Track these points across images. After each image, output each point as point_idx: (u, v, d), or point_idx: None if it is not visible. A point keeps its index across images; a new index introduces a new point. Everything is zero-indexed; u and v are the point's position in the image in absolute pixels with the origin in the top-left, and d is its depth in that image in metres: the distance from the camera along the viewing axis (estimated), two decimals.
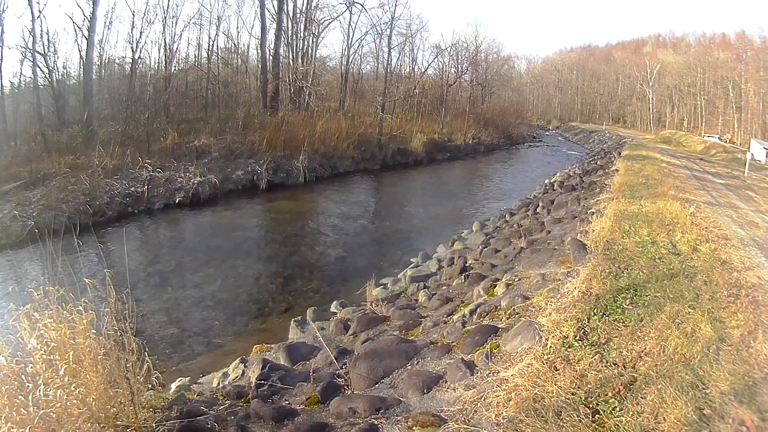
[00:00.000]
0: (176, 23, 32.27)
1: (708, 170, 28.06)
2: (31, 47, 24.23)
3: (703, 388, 4.19)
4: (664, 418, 3.77)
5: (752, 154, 30.76)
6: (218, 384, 6.84)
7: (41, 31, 24.67)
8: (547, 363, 4.62)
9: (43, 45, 25.01)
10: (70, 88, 28.23)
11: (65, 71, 28.98)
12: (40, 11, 23.89)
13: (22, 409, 3.47)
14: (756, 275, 7.57)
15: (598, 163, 31.21)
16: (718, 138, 54.64)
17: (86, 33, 25.78)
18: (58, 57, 27.40)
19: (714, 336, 5.13)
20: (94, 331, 4.15)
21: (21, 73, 26.62)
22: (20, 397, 3.55)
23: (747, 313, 5.79)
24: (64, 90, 26.53)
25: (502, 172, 36.01)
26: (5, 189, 16.94)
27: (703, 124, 65.55)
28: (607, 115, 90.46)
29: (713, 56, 67.96)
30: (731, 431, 3.70)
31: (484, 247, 12.59)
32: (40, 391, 3.58)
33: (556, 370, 4.50)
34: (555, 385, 4.23)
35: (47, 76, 24.98)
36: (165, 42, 31.45)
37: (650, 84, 78.72)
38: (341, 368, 5.76)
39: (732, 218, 12.97)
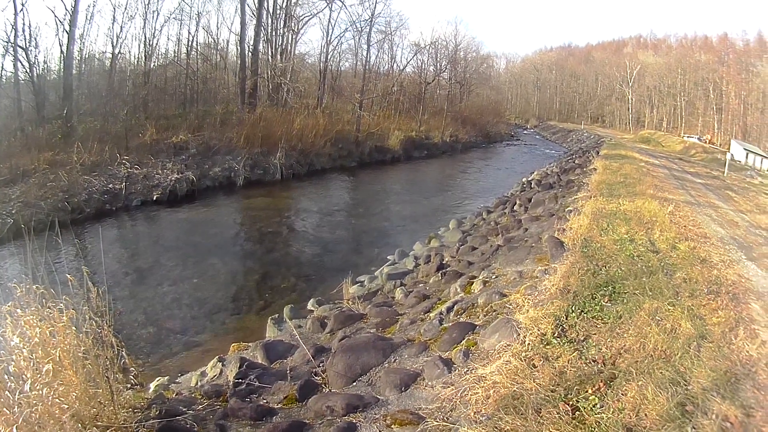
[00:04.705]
0: (157, 18, 32.01)
1: (687, 170, 28.43)
2: (12, 41, 23.71)
3: (685, 385, 4.15)
4: (645, 415, 3.73)
5: (732, 155, 31.29)
6: (197, 383, 6.73)
7: (23, 24, 24.16)
8: (525, 360, 4.58)
9: (25, 39, 24.48)
10: (51, 83, 27.64)
11: (46, 66, 28.45)
12: (23, 4, 23.43)
13: (5, 409, 3.41)
14: (736, 272, 7.65)
15: (576, 161, 31.41)
16: (698, 138, 55.54)
17: (67, 27, 25.34)
18: (39, 51, 26.84)
19: (694, 333, 5.12)
20: (74, 329, 4.07)
21: (2, 68, 25.94)
22: (6, 394, 3.49)
23: (727, 310, 5.80)
24: (45, 85, 26.00)
25: (479, 170, 36.13)
26: None
27: (683, 124, 66.50)
28: (586, 115, 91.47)
29: (694, 58, 68.96)
30: (715, 427, 3.66)
31: (461, 245, 12.57)
32: (24, 391, 3.53)
33: (535, 367, 4.46)
34: (534, 382, 4.18)
35: (28, 70, 24.49)
36: (145, 37, 31.15)
37: (630, 84, 79.58)
38: (318, 366, 5.70)
39: (711, 217, 13.11)
